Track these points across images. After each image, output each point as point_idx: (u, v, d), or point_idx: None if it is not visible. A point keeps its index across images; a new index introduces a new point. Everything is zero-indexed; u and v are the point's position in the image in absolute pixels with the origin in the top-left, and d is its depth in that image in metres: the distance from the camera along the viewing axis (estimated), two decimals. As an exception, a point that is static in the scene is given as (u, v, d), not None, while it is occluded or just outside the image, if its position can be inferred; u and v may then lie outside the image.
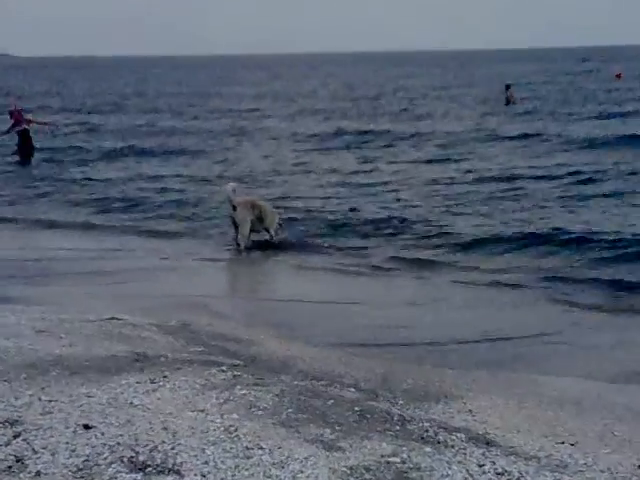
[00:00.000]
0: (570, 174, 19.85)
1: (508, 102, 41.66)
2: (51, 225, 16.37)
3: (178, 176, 22.11)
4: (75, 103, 53.04)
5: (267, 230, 14.04)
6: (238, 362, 6.79)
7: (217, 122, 37.28)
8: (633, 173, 19.56)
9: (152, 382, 5.80)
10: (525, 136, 27.35)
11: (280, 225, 14.17)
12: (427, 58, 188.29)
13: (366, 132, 30.79)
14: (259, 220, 13.90)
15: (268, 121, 37.22)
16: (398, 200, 17.49)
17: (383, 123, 34.08)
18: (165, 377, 5.93)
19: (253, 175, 21.39)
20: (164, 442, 4.70)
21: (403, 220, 15.18)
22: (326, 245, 13.87)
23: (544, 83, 61.24)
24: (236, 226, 13.80)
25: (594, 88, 51.92)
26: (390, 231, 14.55)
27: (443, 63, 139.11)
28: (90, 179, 22.24)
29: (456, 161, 23.26)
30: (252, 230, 13.92)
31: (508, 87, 43.56)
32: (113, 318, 8.00)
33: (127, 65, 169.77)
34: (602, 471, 4.87)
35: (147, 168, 24.06)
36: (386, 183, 19.91)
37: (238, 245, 13.78)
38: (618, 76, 62.61)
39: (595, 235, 13.19)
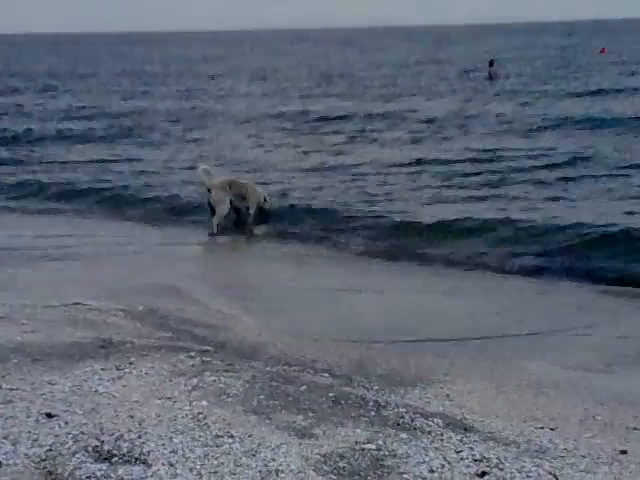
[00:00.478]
0: (562, 154, 19.36)
1: (491, 78, 41.72)
2: (10, 210, 16.10)
3: (140, 160, 21.72)
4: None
5: (247, 209, 13.91)
6: (207, 348, 6.65)
7: (186, 102, 36.55)
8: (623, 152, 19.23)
9: (118, 369, 5.67)
10: (512, 115, 26.71)
11: (266, 200, 14.04)
12: (402, 34, 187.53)
13: (345, 111, 30.05)
14: (242, 198, 13.79)
15: (240, 101, 36.48)
16: (382, 184, 17.14)
17: (365, 101, 33.53)
18: (131, 364, 5.80)
19: (224, 160, 21.01)
20: (130, 431, 4.58)
21: (382, 206, 14.91)
22: (302, 231, 13.69)
23: (527, 58, 60.92)
24: (212, 209, 13.63)
25: (580, 64, 51.67)
26: (368, 217, 14.22)
27: (421, 38, 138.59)
28: (52, 162, 21.83)
29: (441, 140, 22.82)
30: (237, 210, 13.85)
31: (491, 63, 43.63)
32: (77, 303, 7.81)
33: (126, 42, 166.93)
34: (583, 456, 4.78)
35: (113, 151, 23.59)
36: (364, 164, 19.45)
37: (212, 227, 13.62)
38: (602, 51, 62.74)
39: (581, 222, 12.96)
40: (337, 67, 59.86)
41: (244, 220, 13.96)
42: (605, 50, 63.25)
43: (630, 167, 17.51)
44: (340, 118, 28.36)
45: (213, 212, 13.65)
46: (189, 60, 79.87)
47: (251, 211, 13.91)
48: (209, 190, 13.56)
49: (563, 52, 69.02)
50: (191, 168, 17.72)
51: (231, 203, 13.70)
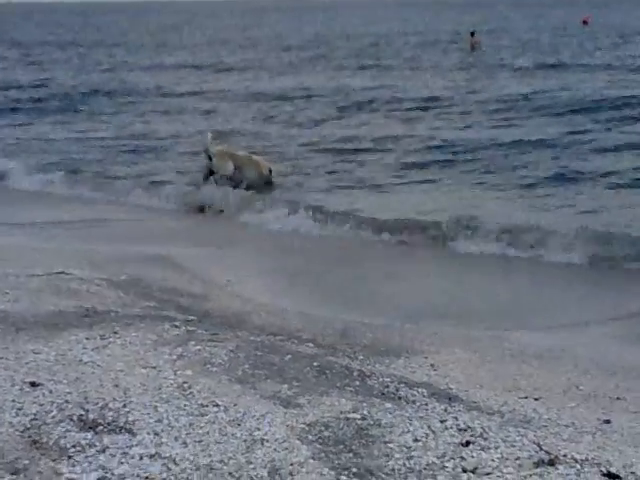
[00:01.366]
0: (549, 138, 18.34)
1: (473, 48, 41.69)
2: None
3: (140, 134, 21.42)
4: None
5: (241, 181, 14.06)
6: (192, 317, 6.65)
7: (171, 76, 35.67)
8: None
9: (102, 338, 5.64)
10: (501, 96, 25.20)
11: (270, 171, 14.22)
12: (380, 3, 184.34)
13: (333, 84, 29.16)
14: (238, 170, 14.00)
15: (223, 78, 35.49)
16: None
17: (351, 75, 32.60)
18: (115, 333, 5.77)
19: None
20: (115, 400, 4.56)
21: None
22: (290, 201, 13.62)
23: (509, 30, 60.29)
24: (211, 174, 13.93)
25: (568, 34, 51.04)
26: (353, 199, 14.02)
27: (400, 8, 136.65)
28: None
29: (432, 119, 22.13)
30: (234, 182, 14.01)
31: (473, 34, 43.57)
32: (61, 272, 7.78)
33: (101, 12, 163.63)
34: (567, 426, 4.81)
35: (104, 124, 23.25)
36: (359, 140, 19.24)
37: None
38: (585, 22, 61.80)
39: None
40: (317, 38, 59.09)
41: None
42: (588, 21, 62.11)
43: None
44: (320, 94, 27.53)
45: (208, 177, 13.96)
46: (165, 30, 78.66)
47: (242, 185, 13.99)
48: (210, 157, 13.82)
49: (544, 23, 68.21)
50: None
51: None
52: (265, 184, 14.15)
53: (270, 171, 14.17)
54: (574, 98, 23.83)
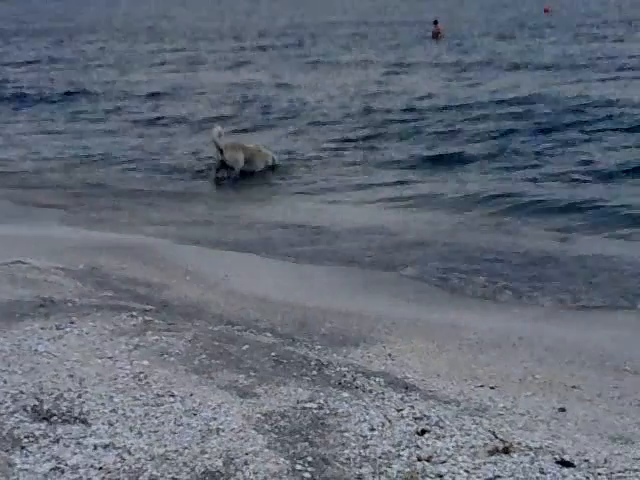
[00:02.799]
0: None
1: (435, 37, 41.70)
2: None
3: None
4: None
5: (253, 172, 14.93)
6: (149, 307, 6.62)
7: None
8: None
9: (58, 328, 5.61)
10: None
11: (274, 160, 15.11)
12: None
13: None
14: (247, 162, 14.87)
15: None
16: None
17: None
18: (72, 323, 5.74)
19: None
20: (70, 390, 4.55)
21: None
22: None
23: (469, 18, 59.63)
24: (223, 166, 14.72)
25: (529, 23, 50.56)
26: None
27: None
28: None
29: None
30: (243, 171, 14.86)
31: (436, 22, 43.53)
32: (17, 262, 7.71)
33: None
34: (522, 414, 4.85)
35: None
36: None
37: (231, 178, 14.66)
38: (546, 10, 61.56)
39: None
40: (294, 26, 58.11)
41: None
42: (549, 9, 61.81)
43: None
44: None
45: (219, 170, 14.74)
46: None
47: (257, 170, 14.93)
48: (221, 151, 14.57)
49: (505, 11, 67.34)
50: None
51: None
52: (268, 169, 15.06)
53: (274, 160, 15.10)
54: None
